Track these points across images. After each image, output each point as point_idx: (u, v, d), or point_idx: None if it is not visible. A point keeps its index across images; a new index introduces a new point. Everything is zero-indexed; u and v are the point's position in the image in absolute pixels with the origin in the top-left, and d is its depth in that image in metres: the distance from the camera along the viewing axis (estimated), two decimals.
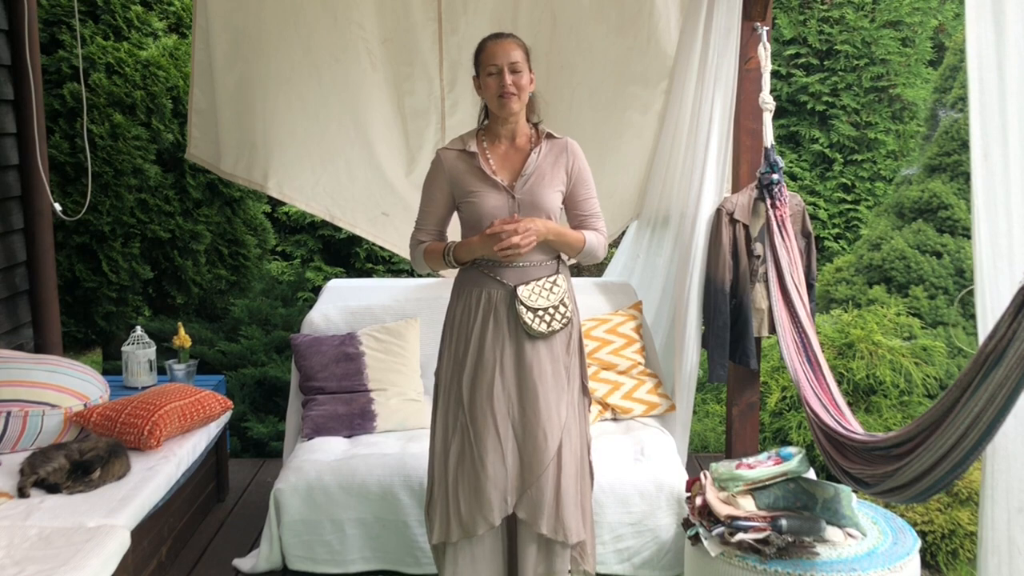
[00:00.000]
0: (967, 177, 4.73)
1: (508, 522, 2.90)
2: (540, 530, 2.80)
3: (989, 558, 2.35)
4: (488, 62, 2.82)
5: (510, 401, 2.81)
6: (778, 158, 3.52)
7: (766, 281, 3.50)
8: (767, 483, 3.00)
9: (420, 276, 4.36)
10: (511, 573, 2.94)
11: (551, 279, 2.85)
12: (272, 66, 4.18)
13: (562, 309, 2.83)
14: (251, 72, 4.18)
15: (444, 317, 2.98)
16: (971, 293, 4.84)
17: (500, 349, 2.82)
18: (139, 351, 4.43)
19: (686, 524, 3.15)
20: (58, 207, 4.53)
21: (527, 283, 2.82)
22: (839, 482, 2.89)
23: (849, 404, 4.20)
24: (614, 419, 3.91)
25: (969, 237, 4.07)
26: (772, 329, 3.49)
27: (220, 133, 4.26)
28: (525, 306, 2.79)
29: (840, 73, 7.08)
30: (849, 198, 7.10)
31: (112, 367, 5.48)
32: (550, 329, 2.81)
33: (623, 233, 4.76)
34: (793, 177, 7.08)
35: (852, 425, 2.89)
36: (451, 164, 2.88)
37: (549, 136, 2.93)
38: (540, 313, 2.80)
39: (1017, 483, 2.28)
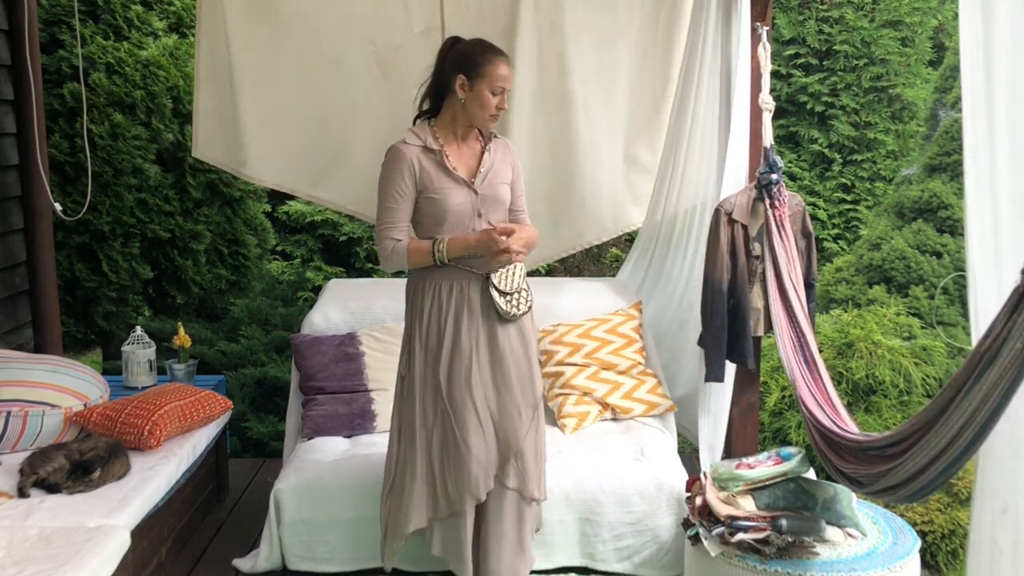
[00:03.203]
0: None
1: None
2: (532, 495, 3.02)
3: (972, 558, 2.37)
4: (497, 81, 2.91)
5: (486, 384, 2.97)
6: (777, 158, 3.52)
7: (763, 281, 3.50)
8: (767, 483, 3.00)
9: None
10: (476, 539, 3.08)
11: (511, 266, 3.00)
12: (293, 80, 4.35)
13: (525, 292, 3.01)
14: (276, 88, 4.36)
15: (408, 313, 3.06)
16: (961, 289, 4.85)
17: (475, 336, 2.96)
18: (139, 351, 4.43)
19: (686, 524, 3.16)
20: (58, 207, 4.54)
21: (495, 270, 2.96)
22: (836, 482, 2.90)
23: (849, 404, 4.22)
24: (614, 419, 3.91)
25: None
26: (767, 328, 3.50)
27: (246, 141, 4.41)
28: (498, 291, 2.94)
29: (839, 73, 7.08)
30: (849, 198, 7.09)
31: (112, 367, 5.47)
32: (519, 311, 2.98)
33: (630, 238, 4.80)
34: (792, 177, 7.07)
35: (848, 425, 2.89)
36: (415, 159, 2.96)
37: (492, 135, 3.08)
38: (509, 297, 2.97)
39: (1002, 484, 2.29)
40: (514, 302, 2.97)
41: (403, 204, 2.98)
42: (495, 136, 3.09)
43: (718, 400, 3.71)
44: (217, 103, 4.39)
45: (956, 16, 7.50)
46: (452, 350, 2.96)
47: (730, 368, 3.64)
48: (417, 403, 3.01)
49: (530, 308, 3.03)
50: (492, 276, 2.95)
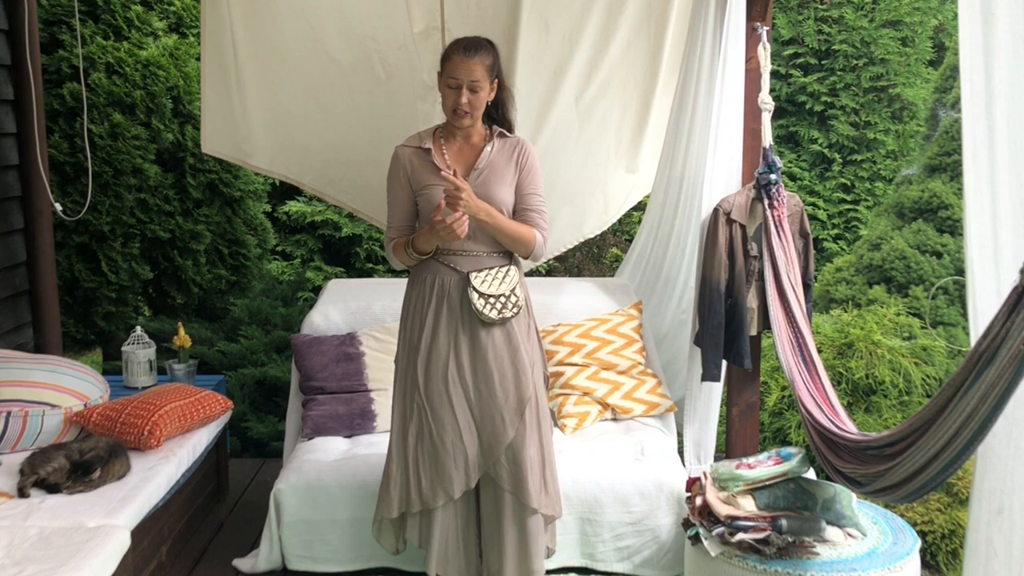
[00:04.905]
0: None
1: (474, 498, 3.03)
2: (531, 503, 2.92)
3: (969, 559, 2.37)
4: (450, 74, 2.90)
5: (466, 385, 2.93)
6: (776, 158, 3.52)
7: (760, 281, 3.50)
8: (767, 483, 3.00)
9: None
10: (479, 549, 3.04)
11: (503, 269, 2.96)
12: (298, 78, 4.38)
13: (513, 298, 2.94)
14: (280, 83, 4.39)
15: (402, 306, 3.08)
16: (961, 289, 4.85)
17: (454, 334, 2.94)
18: (139, 351, 4.44)
19: (686, 524, 3.16)
20: (58, 207, 4.54)
21: (480, 271, 2.93)
22: (835, 482, 2.90)
23: (849, 404, 4.22)
24: (614, 419, 3.91)
25: None
26: (761, 327, 3.51)
27: (252, 133, 4.46)
28: (477, 292, 2.90)
29: (839, 73, 7.07)
30: (848, 198, 7.09)
31: (112, 367, 5.48)
32: (500, 316, 2.91)
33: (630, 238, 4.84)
34: (792, 177, 7.07)
35: (846, 425, 2.90)
36: (408, 160, 3.01)
37: (502, 135, 3.04)
38: (491, 300, 2.91)
39: (999, 484, 2.29)
40: (497, 306, 2.91)
41: (398, 205, 3.04)
42: (505, 135, 3.04)
43: (707, 399, 3.72)
44: (223, 97, 4.41)
45: (956, 16, 7.51)
46: (430, 345, 2.95)
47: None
48: (398, 394, 3.04)
49: (515, 315, 2.94)
50: (473, 276, 2.92)
